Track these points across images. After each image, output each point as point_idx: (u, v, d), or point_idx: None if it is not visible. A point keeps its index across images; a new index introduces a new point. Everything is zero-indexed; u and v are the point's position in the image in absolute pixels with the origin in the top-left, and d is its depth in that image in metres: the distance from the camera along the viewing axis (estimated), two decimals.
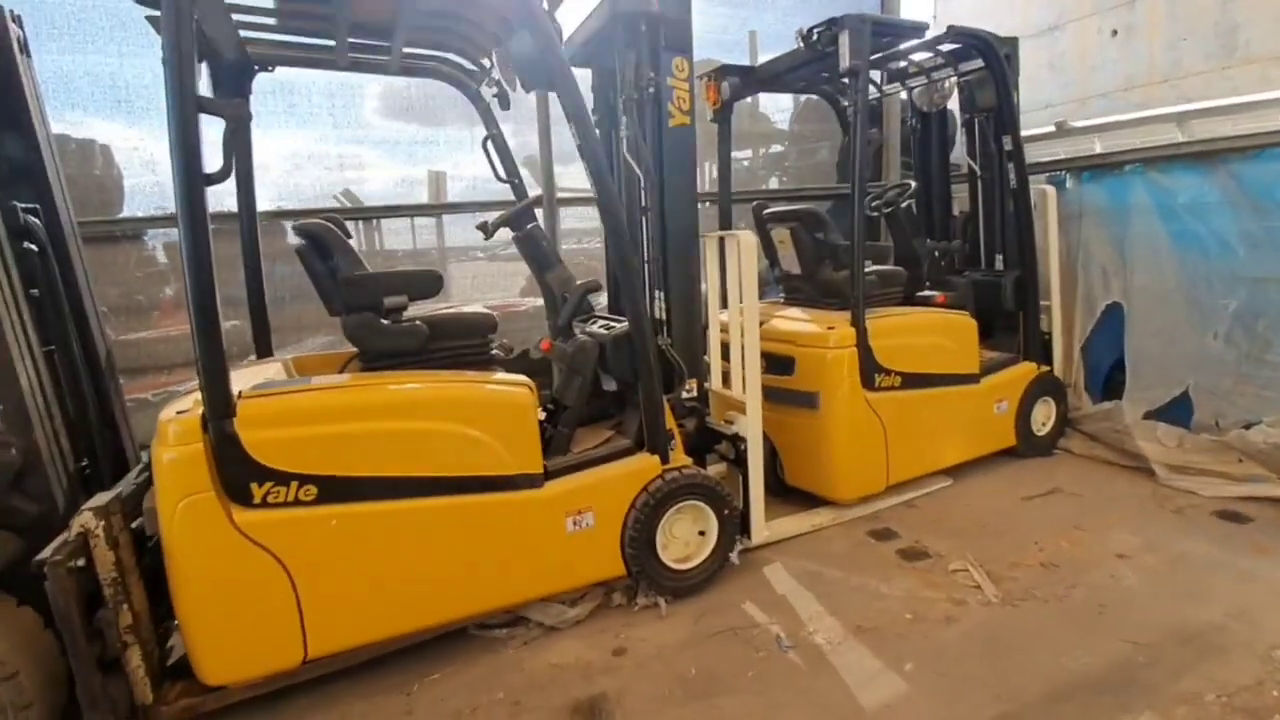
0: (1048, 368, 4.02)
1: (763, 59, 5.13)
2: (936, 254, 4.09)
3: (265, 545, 2.07)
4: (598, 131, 2.93)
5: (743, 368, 3.01)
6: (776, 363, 3.39)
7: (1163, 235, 3.86)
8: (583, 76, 2.91)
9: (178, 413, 2.07)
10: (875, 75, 4.39)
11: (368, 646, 2.31)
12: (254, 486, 2.06)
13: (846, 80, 3.27)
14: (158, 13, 1.91)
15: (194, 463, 1.99)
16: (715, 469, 3.03)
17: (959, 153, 4.48)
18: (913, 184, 4.09)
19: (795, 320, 3.56)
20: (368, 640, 2.30)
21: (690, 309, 2.96)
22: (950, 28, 3.58)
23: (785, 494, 3.52)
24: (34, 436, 2.07)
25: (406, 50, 2.83)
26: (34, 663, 1.88)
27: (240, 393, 2.10)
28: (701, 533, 2.80)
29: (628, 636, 2.51)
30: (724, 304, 3.27)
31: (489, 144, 3.11)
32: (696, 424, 2.98)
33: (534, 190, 4.51)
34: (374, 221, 4.46)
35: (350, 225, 4.10)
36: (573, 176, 4.90)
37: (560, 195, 4.72)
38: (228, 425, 2.02)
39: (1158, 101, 4.84)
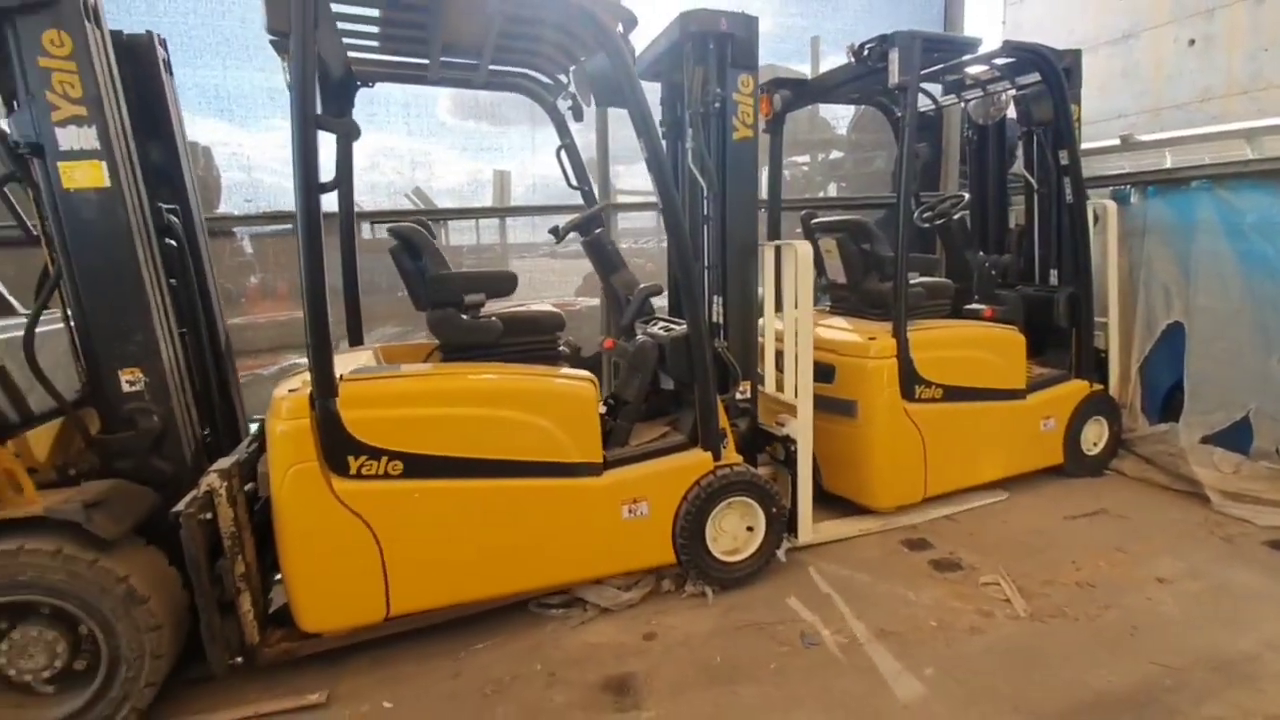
0: (1101, 386, 3.94)
1: (825, 66, 5.19)
2: (987, 266, 4.06)
3: (358, 512, 2.34)
4: (664, 143, 3.10)
5: (795, 372, 3.13)
6: (817, 370, 3.43)
7: (1229, 255, 3.74)
8: (651, 90, 3.06)
9: (289, 391, 2.37)
10: (934, 87, 4.40)
11: (439, 610, 2.56)
12: (351, 459, 2.32)
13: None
14: (279, 36, 2.20)
15: (302, 435, 2.27)
16: (763, 470, 3.15)
17: (1018, 166, 4.43)
18: (966, 196, 4.08)
19: (838, 329, 3.63)
20: (440, 603, 2.55)
21: (747, 314, 3.10)
22: (1006, 43, 3.56)
23: (823, 500, 3.58)
24: (171, 406, 2.38)
25: (491, 66, 3.06)
26: (162, 594, 2.18)
27: (341, 376, 2.37)
28: (750, 528, 2.94)
29: (659, 623, 2.67)
30: (775, 310, 3.39)
31: (562, 153, 3.31)
32: (748, 424, 3.12)
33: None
34: (441, 220, 4.74)
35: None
36: (630, 178, 5.08)
37: (618, 200, 4.90)
38: (331, 404, 2.29)
39: (1235, 114, 4.66)
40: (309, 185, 2.23)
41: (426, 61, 2.95)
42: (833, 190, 5.96)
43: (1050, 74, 3.58)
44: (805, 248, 3.11)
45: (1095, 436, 3.94)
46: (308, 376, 2.34)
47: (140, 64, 2.58)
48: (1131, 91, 5.49)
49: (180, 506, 2.11)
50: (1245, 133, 4.01)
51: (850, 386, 3.36)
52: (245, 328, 4.23)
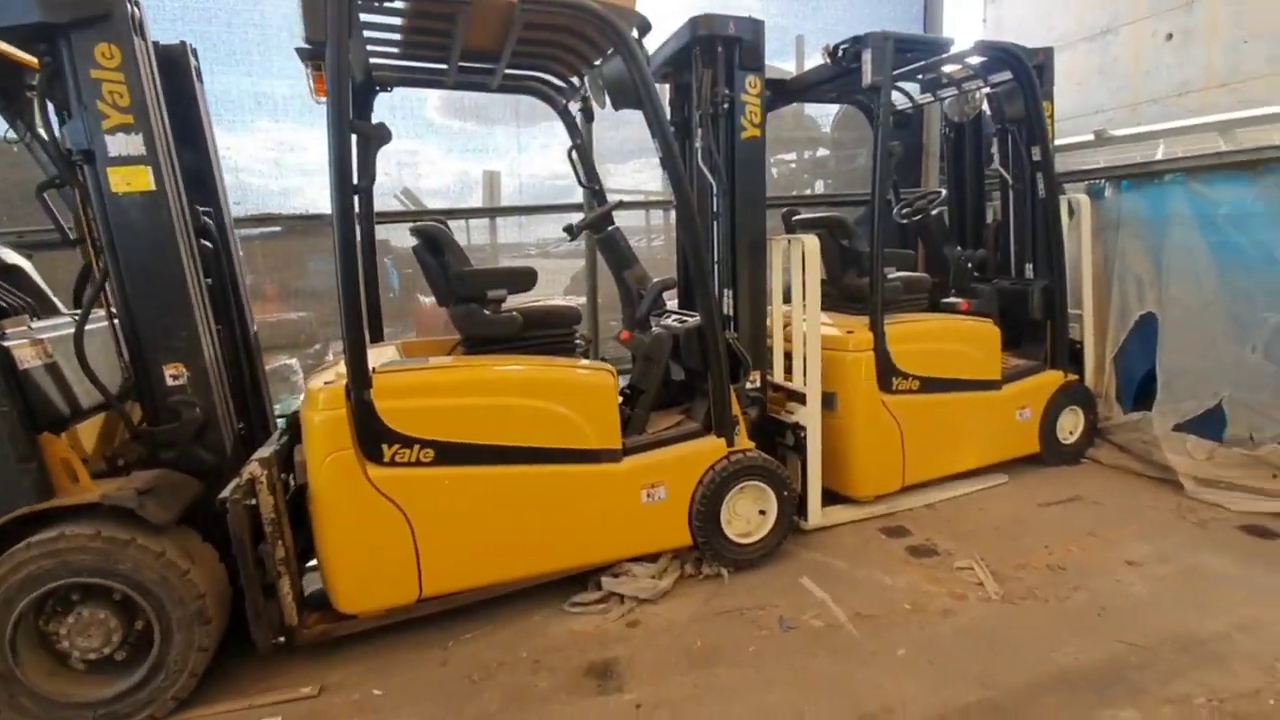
0: (1076, 377, 4.03)
1: (810, 65, 5.26)
2: (964, 260, 4.14)
3: (392, 498, 2.46)
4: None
5: (804, 361, 3.23)
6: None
7: (1202, 246, 3.82)
8: (660, 91, 3.17)
9: (325, 383, 2.47)
10: (913, 86, 4.48)
11: (469, 591, 2.67)
12: (385, 447, 2.44)
13: None
14: (306, 45, 2.37)
15: (339, 425, 2.38)
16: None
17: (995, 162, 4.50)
18: (942, 192, 4.15)
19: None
20: (470, 585, 2.67)
21: (756, 306, 3.23)
22: (978, 42, 3.65)
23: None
24: (212, 399, 2.49)
25: (507, 70, 3.14)
26: (204, 570, 2.28)
27: (374, 368, 2.47)
28: (762, 512, 3.05)
29: (642, 611, 2.74)
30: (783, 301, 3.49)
31: (573, 153, 3.40)
32: (759, 412, 3.23)
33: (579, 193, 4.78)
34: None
35: (407, 227, 4.49)
36: (619, 176, 5.15)
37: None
38: (366, 395, 2.40)
39: (1214, 107, 4.72)
40: (344, 186, 2.34)
41: (445, 66, 3.04)
42: (820, 187, 6.03)
43: (1021, 72, 3.66)
44: (812, 241, 3.21)
45: (1071, 425, 4.03)
46: (339, 369, 2.46)
47: (175, 73, 2.68)
48: (1110, 87, 5.57)
49: (226, 493, 2.24)
50: (1219, 125, 4.10)
51: (829, 379, 3.42)
52: None
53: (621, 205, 5.03)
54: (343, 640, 2.56)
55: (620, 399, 2.97)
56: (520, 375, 2.71)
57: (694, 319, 3.00)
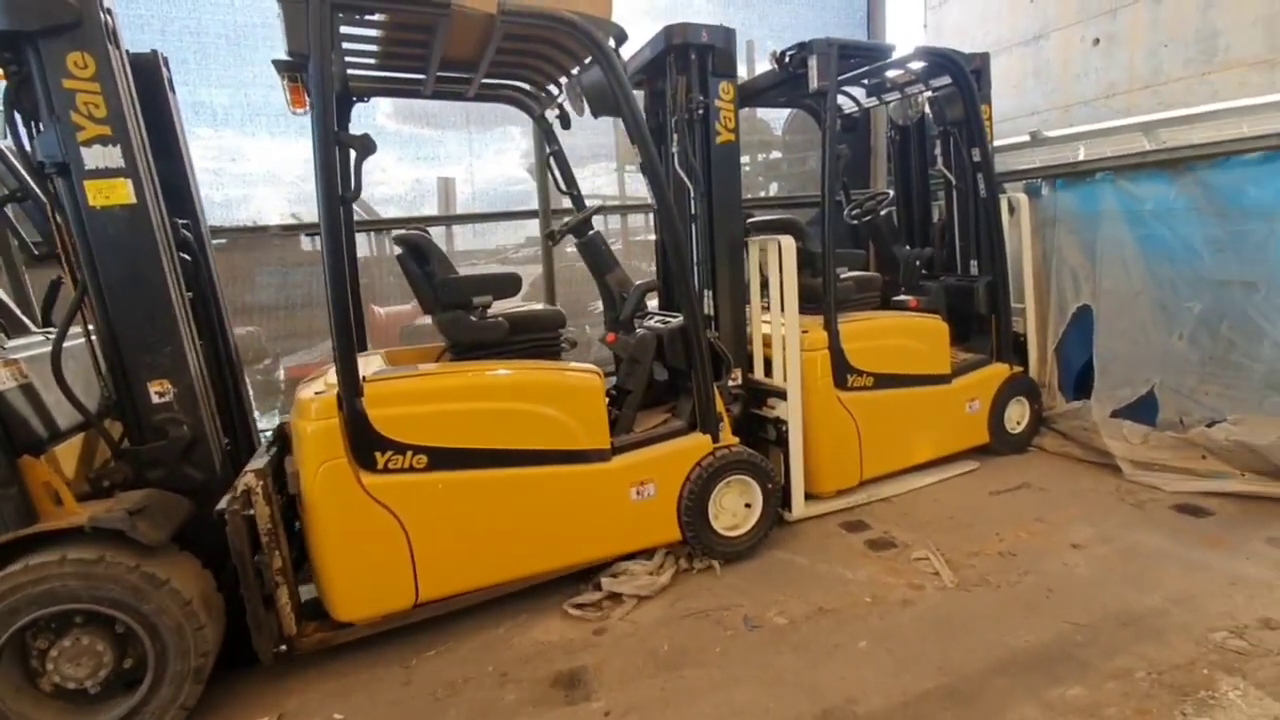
0: (1021, 369, 4.19)
1: (760, 69, 5.34)
2: (912, 259, 4.27)
3: (386, 504, 2.46)
4: None
5: (784, 358, 3.30)
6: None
7: (1130, 240, 4.02)
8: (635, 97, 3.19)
9: (315, 393, 2.44)
10: (859, 90, 4.59)
11: (465, 594, 2.69)
12: (378, 454, 2.45)
13: None
14: (286, 58, 2.35)
15: (332, 434, 2.38)
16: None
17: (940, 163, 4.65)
18: (890, 193, 4.27)
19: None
20: (466, 587, 2.68)
21: (736, 306, 3.30)
22: (918, 48, 3.77)
23: None
24: (199, 415, 2.43)
25: (483, 80, 3.12)
26: (199, 592, 2.24)
27: (365, 377, 2.45)
28: (748, 505, 3.12)
29: (609, 618, 2.74)
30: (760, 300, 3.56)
31: (551, 159, 3.42)
32: (742, 409, 3.29)
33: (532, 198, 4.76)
34: (386, 230, 4.71)
35: (362, 237, 4.41)
36: (580, 181, 5.13)
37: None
38: (358, 403, 2.40)
39: (1138, 108, 4.98)
40: (331, 197, 2.32)
41: (423, 76, 3.01)
42: (775, 189, 6.13)
43: (960, 77, 3.80)
44: (789, 242, 3.28)
45: (1018, 416, 4.18)
46: (328, 379, 2.45)
47: (148, 83, 2.60)
48: (1043, 90, 5.81)
49: (223, 504, 2.24)
50: (1142, 126, 4.32)
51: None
52: None
53: (602, 210, 5.07)
54: (299, 662, 2.50)
55: (607, 399, 3.00)
56: (510, 379, 2.73)
57: (676, 319, 3.06)
